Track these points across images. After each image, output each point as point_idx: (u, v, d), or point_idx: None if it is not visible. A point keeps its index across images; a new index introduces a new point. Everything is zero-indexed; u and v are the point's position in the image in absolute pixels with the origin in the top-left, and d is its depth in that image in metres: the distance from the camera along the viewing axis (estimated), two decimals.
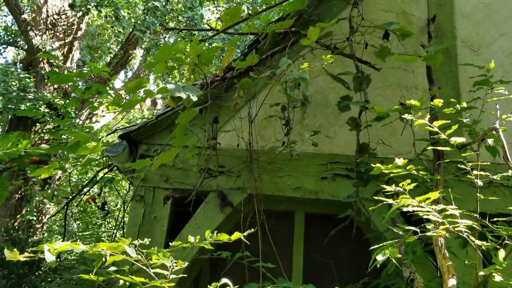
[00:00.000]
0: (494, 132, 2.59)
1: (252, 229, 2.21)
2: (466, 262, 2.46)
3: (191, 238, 2.10)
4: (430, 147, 2.69)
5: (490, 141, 2.64)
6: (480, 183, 2.46)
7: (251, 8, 8.43)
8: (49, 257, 1.43)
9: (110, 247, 1.57)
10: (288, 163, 3.41)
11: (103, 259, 1.69)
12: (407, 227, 2.17)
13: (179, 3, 8.99)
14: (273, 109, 3.50)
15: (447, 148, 2.56)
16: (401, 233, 2.21)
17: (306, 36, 3.35)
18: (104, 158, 4.95)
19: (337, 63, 3.71)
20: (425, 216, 2.13)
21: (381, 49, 3.45)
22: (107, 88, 3.75)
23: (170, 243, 2.13)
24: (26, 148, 2.29)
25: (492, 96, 3.03)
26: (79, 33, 10.73)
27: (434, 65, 3.36)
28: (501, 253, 2.08)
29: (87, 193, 5.03)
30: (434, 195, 2.02)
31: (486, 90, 2.96)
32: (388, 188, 2.04)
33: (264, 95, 3.56)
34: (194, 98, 3.00)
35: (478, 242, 2.17)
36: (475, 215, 2.34)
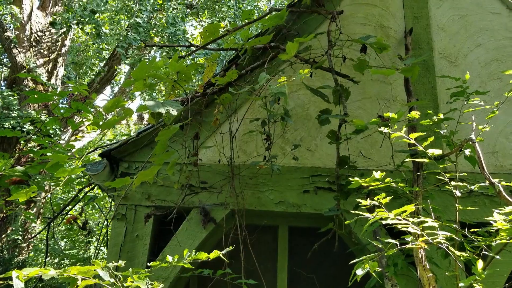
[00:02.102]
0: (471, 143, 2.62)
1: (231, 247, 2.20)
2: (447, 273, 2.45)
3: (169, 258, 2.08)
4: (408, 159, 2.71)
5: (467, 151, 2.66)
6: (458, 193, 2.48)
7: (232, 21, 8.49)
8: (18, 284, 1.40)
9: (81, 271, 1.54)
10: (270, 177, 3.41)
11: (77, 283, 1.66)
12: (387, 240, 2.18)
13: (161, 18, 9.03)
14: (254, 123, 3.51)
15: (425, 160, 2.58)
16: (380, 246, 2.21)
17: (285, 51, 3.38)
18: (87, 176, 4.90)
19: (317, 77, 3.74)
20: (404, 229, 2.14)
21: (359, 62, 3.49)
22: (88, 106, 3.73)
23: (148, 263, 2.10)
24: (1, 171, 2.26)
25: (468, 107, 3.08)
26: (63, 49, 10.70)
27: (412, 77, 3.41)
28: (480, 264, 2.08)
29: (69, 212, 4.97)
30: (410, 207, 2.03)
31: (463, 101, 3.00)
32: (363, 202, 2.04)
33: (245, 110, 3.58)
34: (174, 113, 3.00)
35: (457, 252, 2.18)
36: (454, 225, 2.35)
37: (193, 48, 4.11)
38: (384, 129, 2.54)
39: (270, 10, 4.07)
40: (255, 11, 9.43)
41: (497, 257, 2.10)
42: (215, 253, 2.10)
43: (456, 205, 2.44)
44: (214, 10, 9.45)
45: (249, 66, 3.81)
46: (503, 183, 2.52)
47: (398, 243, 2.12)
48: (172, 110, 2.83)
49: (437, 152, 2.50)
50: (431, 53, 3.74)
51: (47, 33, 10.18)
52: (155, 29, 8.95)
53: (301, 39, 3.38)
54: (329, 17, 3.83)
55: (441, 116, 2.80)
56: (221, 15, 9.33)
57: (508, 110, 3.46)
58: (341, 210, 2.89)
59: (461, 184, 2.49)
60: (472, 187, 2.49)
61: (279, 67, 3.76)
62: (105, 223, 4.81)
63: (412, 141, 2.52)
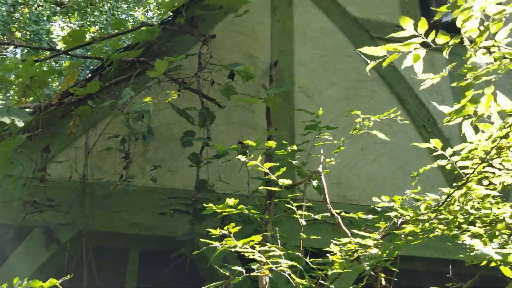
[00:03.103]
0: (318, 175, 2.84)
1: (69, 276, 2.04)
2: None
3: None
4: (262, 187, 2.83)
5: (314, 182, 2.88)
6: (303, 222, 2.65)
7: (103, 28, 8.11)
8: None
9: None
10: (125, 197, 3.27)
11: None
12: (234, 267, 2.23)
13: (24, 14, 8.24)
14: (113, 140, 3.36)
15: (277, 189, 2.73)
16: (227, 273, 2.26)
17: (154, 67, 3.32)
18: None
19: (185, 97, 3.72)
20: (251, 256, 2.22)
21: (227, 88, 3.59)
22: None
23: None
24: None
25: (319, 140, 3.34)
26: None
27: (273, 107, 3.60)
28: None
29: None
30: (257, 237, 2.11)
31: (315, 134, 3.24)
32: (213, 231, 2.08)
33: (105, 125, 3.39)
34: (20, 124, 2.74)
35: (298, 280, 2.32)
36: (297, 253, 2.50)
37: (53, 53, 3.81)
38: (242, 158, 2.63)
39: (142, 24, 3.99)
40: (131, 20, 9.16)
41: (331, 286, 2.28)
42: (50, 282, 1.94)
43: (301, 233, 2.61)
44: (86, 13, 8.93)
45: (114, 78, 3.66)
46: (343, 213, 2.77)
47: (244, 270, 2.18)
48: (19, 121, 2.58)
49: (288, 181, 2.66)
50: (292, 87, 4.00)
51: None
52: (17, 23, 8.12)
53: (171, 58, 3.36)
54: (201, 40, 3.88)
55: (295, 147, 2.99)
56: (93, 20, 8.84)
57: (353, 145, 3.83)
58: (195, 234, 2.89)
59: (306, 213, 2.67)
60: (316, 216, 2.68)
61: (147, 83, 3.67)
62: None
63: (266, 170, 2.64)
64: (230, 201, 2.38)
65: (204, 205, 2.41)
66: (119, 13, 9.19)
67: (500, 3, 1.75)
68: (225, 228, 2.07)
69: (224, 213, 2.47)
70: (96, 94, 3.36)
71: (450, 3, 1.75)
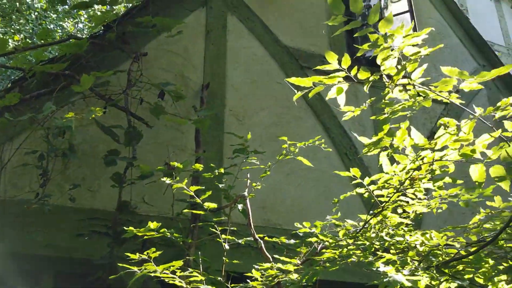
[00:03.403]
0: (244, 199, 2.86)
1: None
2: None
3: None
4: (186, 210, 2.80)
5: (240, 206, 2.89)
6: (227, 246, 2.65)
7: (29, 37, 7.69)
8: None
9: None
10: (42, 217, 3.07)
11: None
12: None
13: None
14: (32, 156, 3.17)
15: (202, 212, 2.71)
16: None
17: (80, 82, 3.20)
18: None
19: (112, 114, 3.61)
20: (171, 282, 2.17)
21: (156, 107, 3.53)
22: None
23: None
24: None
25: (247, 164, 3.37)
26: None
27: (202, 128, 3.60)
28: None
29: None
30: (178, 263, 2.08)
31: (243, 158, 3.28)
32: (132, 256, 2.01)
33: (22, 139, 3.20)
34: None
35: None
36: (219, 278, 2.48)
37: None
38: (167, 180, 2.59)
39: (70, 37, 3.84)
40: (59, 31, 8.75)
41: None
42: None
43: (224, 257, 2.60)
44: (11, 20, 8.40)
45: (36, 91, 3.47)
46: (267, 238, 2.80)
47: None
48: None
49: (213, 205, 2.66)
50: (222, 109, 4.03)
51: None
52: None
53: (98, 74, 3.26)
54: (132, 57, 3.80)
55: (222, 170, 3.00)
56: (18, 27, 8.33)
57: (280, 169, 3.91)
58: (114, 257, 2.78)
59: (230, 237, 2.67)
60: (240, 240, 2.69)
61: (71, 98, 3.52)
62: None
63: (192, 193, 2.62)
64: (152, 225, 2.34)
65: (125, 228, 2.33)
66: (47, 22, 8.73)
67: (416, 45, 1.89)
68: (145, 252, 2.01)
69: (145, 237, 2.41)
70: (14, 106, 3.16)
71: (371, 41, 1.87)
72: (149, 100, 3.62)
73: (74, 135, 3.44)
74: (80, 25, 10.02)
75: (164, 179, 2.56)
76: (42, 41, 3.77)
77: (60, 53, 3.65)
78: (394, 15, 5.02)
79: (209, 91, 4.03)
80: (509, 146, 1.84)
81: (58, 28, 8.86)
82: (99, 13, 3.89)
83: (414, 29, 4.72)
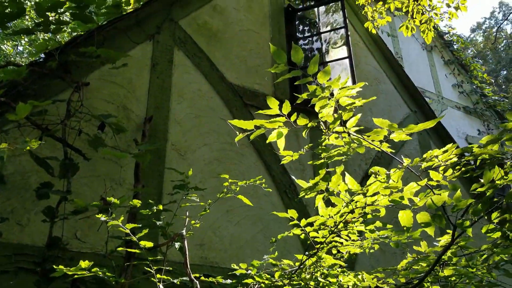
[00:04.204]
0: (181, 237, 2.82)
1: None
2: None
3: None
4: (121, 248, 2.71)
5: (177, 245, 2.85)
6: (161, 286, 2.58)
7: None
8: None
9: None
10: None
11: None
12: None
13: None
14: None
15: (137, 251, 2.64)
16: None
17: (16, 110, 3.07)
18: None
19: (48, 145, 3.49)
20: None
21: (95, 139, 3.44)
22: None
23: None
24: None
25: (187, 201, 3.34)
26: None
27: (143, 163, 3.54)
28: None
29: None
30: None
31: (183, 194, 3.25)
32: None
33: None
34: None
35: None
36: None
37: None
38: (102, 217, 2.51)
39: (7, 63, 3.70)
40: None
41: None
42: None
43: None
44: None
45: None
46: (203, 277, 2.77)
47: None
48: None
49: (149, 243, 2.60)
50: (164, 143, 4.00)
51: None
52: None
53: (35, 102, 3.14)
54: (73, 86, 3.72)
55: (161, 207, 2.96)
56: None
57: (219, 207, 3.91)
58: None
59: (165, 277, 2.61)
60: (175, 280, 2.64)
61: (4, 126, 3.36)
62: None
63: (127, 231, 2.55)
64: (84, 263, 2.25)
65: (54, 266, 2.22)
66: None
67: (351, 96, 2.01)
68: None
69: (76, 276, 2.30)
70: None
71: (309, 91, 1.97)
72: (89, 132, 3.55)
73: (5, 165, 3.28)
74: (20, 48, 9.64)
75: (99, 215, 2.48)
76: None
77: None
78: (335, 60, 5.30)
79: (152, 124, 4.00)
80: (434, 194, 1.97)
81: None
82: (41, 39, 3.79)
83: (353, 76, 4.99)
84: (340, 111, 2.08)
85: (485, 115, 10.10)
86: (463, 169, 1.94)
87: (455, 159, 1.89)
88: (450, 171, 1.95)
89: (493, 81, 11.22)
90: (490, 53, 28.70)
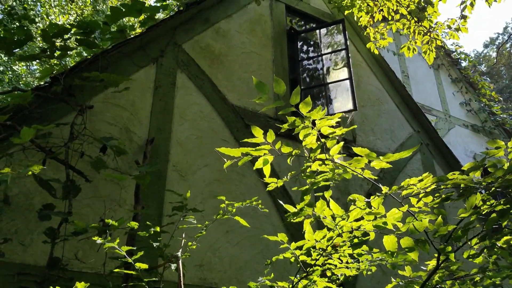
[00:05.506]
0: (177, 259, 2.89)
1: None
2: None
3: None
4: (117, 269, 2.79)
5: (173, 266, 2.91)
6: None
7: None
8: None
9: None
10: None
11: None
12: None
13: None
14: None
15: (133, 272, 2.71)
16: None
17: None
18: None
19: (51, 167, 3.60)
20: None
21: (97, 161, 3.55)
22: None
23: None
24: None
25: (185, 223, 3.41)
26: None
27: (143, 184, 3.63)
28: None
29: None
30: None
31: (181, 216, 3.32)
32: None
33: None
34: None
35: None
36: None
37: None
38: (98, 240, 2.59)
39: (14, 89, 3.85)
40: (10, 73, 8.59)
41: None
42: None
43: None
44: None
45: None
46: None
47: None
48: None
49: (144, 265, 2.67)
50: (166, 165, 4.09)
51: None
52: None
53: (39, 127, 3.27)
54: (77, 109, 3.84)
55: (158, 229, 3.03)
56: None
57: (219, 227, 3.98)
58: None
59: None
60: None
61: (10, 149, 3.49)
62: None
63: (123, 253, 2.63)
64: (80, 285, 2.32)
65: (51, 287, 2.31)
66: None
67: (332, 126, 2.08)
68: None
69: None
70: None
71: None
72: (92, 154, 3.65)
73: (10, 187, 3.39)
74: (33, 67, 9.89)
75: (95, 238, 2.56)
76: None
77: (1, 104, 3.65)
78: (336, 82, 5.38)
79: (154, 146, 4.10)
80: (416, 220, 2.02)
81: (8, 70, 8.69)
82: (47, 64, 3.95)
83: (353, 97, 5.06)
84: (323, 140, 2.15)
85: (493, 133, 10.04)
86: (443, 196, 1.99)
87: (434, 186, 1.94)
88: (430, 197, 1.99)
89: (501, 99, 11.12)
90: (504, 68, 28.52)
